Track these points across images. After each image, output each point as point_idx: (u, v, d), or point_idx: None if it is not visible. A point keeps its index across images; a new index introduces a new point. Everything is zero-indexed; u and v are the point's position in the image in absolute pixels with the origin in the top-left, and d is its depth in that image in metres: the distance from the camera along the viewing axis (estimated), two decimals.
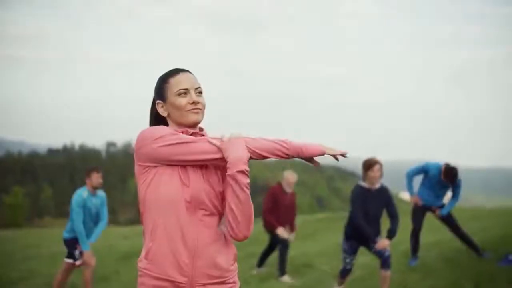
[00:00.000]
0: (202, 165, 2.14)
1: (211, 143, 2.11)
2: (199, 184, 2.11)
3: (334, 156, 2.22)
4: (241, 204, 2.09)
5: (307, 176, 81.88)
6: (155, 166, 2.10)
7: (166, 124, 2.24)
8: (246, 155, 2.09)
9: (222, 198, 2.17)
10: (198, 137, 2.15)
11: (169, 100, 2.19)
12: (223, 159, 2.11)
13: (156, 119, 2.28)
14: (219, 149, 2.10)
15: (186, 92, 2.17)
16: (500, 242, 7.44)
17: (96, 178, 6.15)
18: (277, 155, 2.16)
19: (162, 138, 2.09)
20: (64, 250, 6.33)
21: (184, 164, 2.11)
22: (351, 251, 5.61)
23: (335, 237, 11.67)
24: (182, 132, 2.16)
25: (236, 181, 2.06)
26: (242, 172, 2.06)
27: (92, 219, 6.23)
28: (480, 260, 6.72)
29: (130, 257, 10.28)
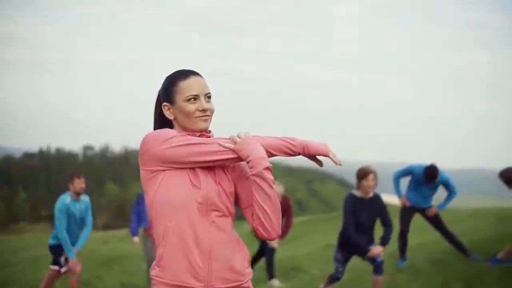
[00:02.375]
0: (211, 167, 2.08)
1: (220, 144, 2.04)
2: (210, 186, 2.05)
3: (333, 160, 2.18)
4: (271, 201, 2.04)
5: (287, 180, 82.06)
6: (163, 170, 2.03)
7: (171, 126, 2.17)
8: (264, 152, 2.05)
9: (233, 199, 2.12)
10: (207, 139, 2.09)
11: (177, 104, 2.11)
12: (234, 160, 2.07)
13: (161, 120, 2.20)
14: (230, 150, 2.04)
15: (195, 98, 2.10)
16: (487, 243, 7.47)
17: (78, 183, 6.01)
18: (285, 153, 2.14)
19: (171, 140, 2.02)
20: (44, 255, 6.18)
21: (194, 166, 2.04)
22: (344, 260, 5.55)
23: (320, 239, 11.69)
24: (189, 135, 2.09)
25: (264, 178, 2.01)
26: (268, 168, 2.02)
27: (77, 225, 6.10)
28: (468, 260, 6.73)
29: (112, 262, 10.15)
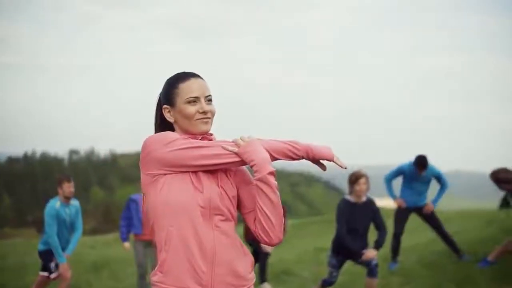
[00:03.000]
0: (213, 170, 2.05)
1: (224, 147, 2.01)
2: (212, 189, 2.02)
3: (337, 164, 2.16)
4: (274, 207, 2.01)
5: None
6: (165, 174, 2.00)
7: (172, 130, 2.14)
8: (269, 156, 2.02)
9: (235, 203, 2.09)
10: (210, 142, 2.06)
11: (177, 106, 2.08)
12: (238, 163, 2.04)
13: (162, 123, 2.17)
14: (233, 153, 2.01)
15: (196, 100, 2.07)
16: (476, 245, 7.52)
17: (67, 187, 5.95)
18: (288, 156, 2.10)
19: (173, 143, 2.00)
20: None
21: (197, 170, 2.01)
22: (338, 265, 5.54)
23: (309, 243, 11.68)
24: (191, 138, 2.07)
25: (268, 183, 1.99)
26: (272, 173, 1.99)
27: (67, 230, 6.03)
28: (460, 262, 6.77)
29: (100, 267, 10.04)
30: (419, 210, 7.13)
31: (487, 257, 6.49)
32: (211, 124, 2.12)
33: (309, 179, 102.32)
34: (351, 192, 5.38)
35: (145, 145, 2.03)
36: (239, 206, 2.13)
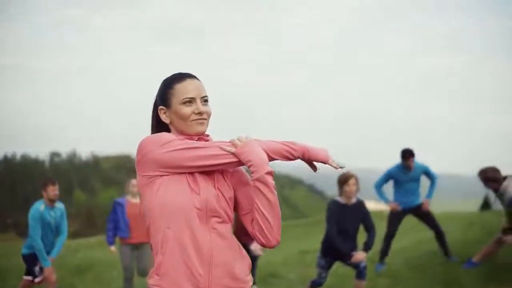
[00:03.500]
0: (210, 171, 2.02)
1: (221, 147, 1.99)
2: (209, 191, 1.99)
3: (332, 166, 2.13)
4: (272, 207, 1.98)
5: None
6: (161, 175, 1.97)
7: (169, 131, 2.11)
8: (266, 156, 2.00)
9: (232, 204, 2.07)
10: (207, 142, 2.04)
11: (173, 107, 2.06)
12: (235, 164, 2.01)
13: (158, 124, 2.14)
14: (231, 154, 1.99)
15: (191, 101, 2.05)
16: (460, 246, 7.59)
17: (52, 190, 5.87)
18: (285, 157, 2.08)
19: (170, 144, 1.97)
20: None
21: (194, 170, 1.98)
22: (328, 266, 5.53)
23: (294, 245, 11.68)
24: (187, 139, 2.04)
25: (266, 183, 1.96)
26: (270, 173, 1.97)
27: (52, 233, 5.95)
28: (446, 264, 6.82)
29: (84, 270, 9.94)
30: (414, 210, 7.18)
31: (472, 258, 6.54)
32: (207, 125, 2.09)
33: (293, 182, 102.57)
34: (341, 193, 5.38)
35: (141, 146, 2.00)
36: (236, 207, 2.10)
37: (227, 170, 2.08)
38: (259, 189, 1.96)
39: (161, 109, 2.10)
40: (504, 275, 6.07)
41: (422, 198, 7.20)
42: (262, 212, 1.98)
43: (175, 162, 1.95)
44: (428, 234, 9.64)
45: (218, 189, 2.02)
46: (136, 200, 6.77)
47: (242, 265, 2.04)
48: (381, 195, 7.21)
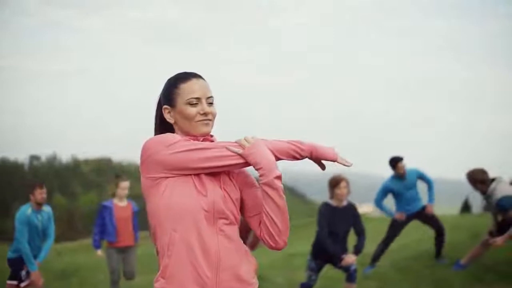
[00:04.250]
0: (216, 172, 2.00)
1: (228, 148, 1.97)
2: (216, 192, 1.97)
3: (342, 164, 2.12)
4: (281, 211, 1.97)
5: None
6: (167, 177, 1.94)
7: (172, 131, 2.09)
8: (274, 158, 1.98)
9: (238, 205, 2.05)
10: (213, 143, 2.01)
11: (178, 107, 2.03)
12: (242, 165, 1.99)
13: (162, 124, 2.12)
14: (238, 155, 1.97)
15: (197, 101, 2.02)
16: (448, 249, 7.65)
17: (39, 193, 5.79)
18: (292, 157, 2.06)
19: (175, 145, 1.94)
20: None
21: (200, 172, 1.96)
22: (318, 269, 5.53)
23: None
24: (192, 139, 2.01)
25: (275, 187, 1.94)
26: (278, 177, 1.95)
27: (39, 237, 5.86)
28: (434, 266, 6.87)
29: (69, 274, 9.84)
30: (418, 215, 7.21)
31: (460, 260, 6.61)
32: (212, 126, 2.07)
33: None
34: (332, 196, 5.39)
35: (145, 148, 1.97)
36: (242, 209, 2.08)
37: (233, 171, 2.06)
38: (267, 193, 1.95)
39: (165, 108, 2.07)
40: (490, 276, 6.15)
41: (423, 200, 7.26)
42: (271, 216, 1.97)
43: (182, 164, 1.92)
44: (414, 236, 9.72)
45: (225, 190, 2.00)
46: (123, 204, 6.71)
47: (248, 267, 2.02)
48: (384, 209, 7.27)
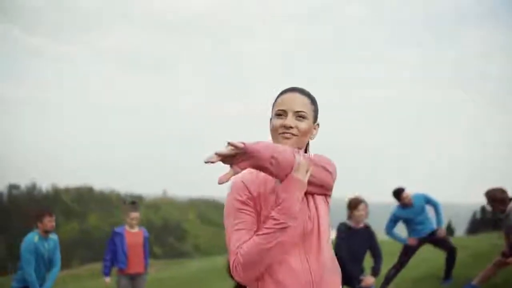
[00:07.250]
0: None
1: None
2: (313, 211, 1.96)
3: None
4: None
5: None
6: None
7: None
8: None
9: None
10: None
11: (272, 119, 2.04)
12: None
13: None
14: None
15: (282, 113, 1.99)
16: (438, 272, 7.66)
17: (48, 221, 5.71)
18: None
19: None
20: None
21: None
22: None
23: None
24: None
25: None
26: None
27: (45, 265, 5.75)
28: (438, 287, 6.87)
29: None
30: (429, 238, 7.21)
31: (472, 281, 6.59)
32: (298, 141, 1.98)
33: None
34: (350, 217, 5.48)
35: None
36: None
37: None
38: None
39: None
40: None
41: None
42: None
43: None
44: (415, 260, 9.69)
45: (317, 208, 2.01)
46: (135, 230, 6.62)
47: (339, 283, 2.01)
48: (397, 237, 7.29)
